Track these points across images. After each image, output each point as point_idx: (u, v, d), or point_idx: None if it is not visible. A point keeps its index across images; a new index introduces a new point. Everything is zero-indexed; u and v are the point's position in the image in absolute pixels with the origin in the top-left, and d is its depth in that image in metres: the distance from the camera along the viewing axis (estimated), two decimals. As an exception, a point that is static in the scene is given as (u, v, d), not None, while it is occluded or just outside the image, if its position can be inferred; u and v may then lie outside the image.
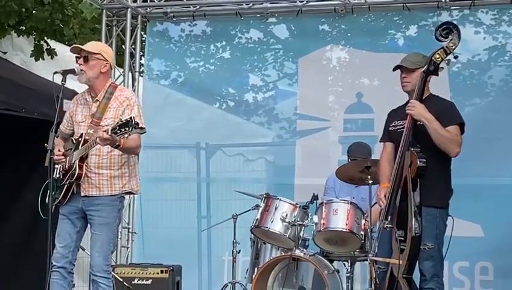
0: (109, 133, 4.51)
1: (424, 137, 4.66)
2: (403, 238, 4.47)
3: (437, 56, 4.60)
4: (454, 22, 7.20)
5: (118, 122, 4.54)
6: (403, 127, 4.81)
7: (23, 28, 8.10)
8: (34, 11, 7.92)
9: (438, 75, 4.65)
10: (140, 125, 4.56)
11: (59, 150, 4.85)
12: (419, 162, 4.45)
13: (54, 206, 4.87)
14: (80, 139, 4.88)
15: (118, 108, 4.90)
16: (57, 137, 4.93)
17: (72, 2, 8.35)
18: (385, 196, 4.72)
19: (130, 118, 4.53)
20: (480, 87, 7.36)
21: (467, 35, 7.39)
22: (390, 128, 4.98)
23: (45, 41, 8.10)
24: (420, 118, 4.62)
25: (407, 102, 5.01)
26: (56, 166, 4.91)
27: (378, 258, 4.68)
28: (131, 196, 7.64)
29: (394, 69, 4.92)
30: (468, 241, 6.74)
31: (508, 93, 7.25)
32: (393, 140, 4.95)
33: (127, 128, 4.48)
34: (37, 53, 7.99)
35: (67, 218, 4.89)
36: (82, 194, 4.88)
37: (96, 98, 4.94)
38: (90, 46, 5.01)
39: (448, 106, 4.88)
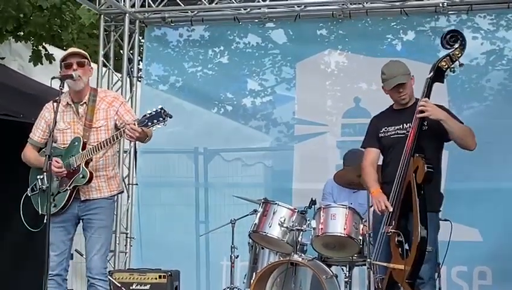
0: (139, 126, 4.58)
1: (427, 142, 4.66)
2: (399, 244, 4.48)
3: (443, 63, 4.62)
4: (452, 27, 7.38)
5: (144, 115, 4.61)
6: (396, 134, 4.84)
7: (21, 33, 8.09)
8: (32, 17, 7.91)
9: (443, 82, 4.66)
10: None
11: (57, 162, 4.82)
12: (427, 167, 4.46)
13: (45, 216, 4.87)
14: (75, 144, 4.88)
15: (107, 108, 4.98)
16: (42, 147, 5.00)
17: (70, 8, 8.34)
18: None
19: (161, 108, 4.59)
20: (478, 91, 7.35)
21: (465, 40, 7.41)
22: (380, 135, 4.96)
23: (43, 47, 8.09)
24: (437, 117, 4.63)
25: (391, 108, 5.02)
26: (40, 176, 4.90)
27: (382, 263, 4.67)
28: (129, 201, 7.68)
29: (391, 88, 4.88)
30: (467, 246, 6.74)
31: (506, 97, 7.25)
32: (383, 146, 4.94)
33: (161, 119, 4.56)
34: (35, 58, 7.99)
35: (61, 226, 4.89)
36: (82, 198, 4.91)
37: (84, 101, 4.97)
38: (82, 52, 5.06)
39: (446, 108, 4.91)
